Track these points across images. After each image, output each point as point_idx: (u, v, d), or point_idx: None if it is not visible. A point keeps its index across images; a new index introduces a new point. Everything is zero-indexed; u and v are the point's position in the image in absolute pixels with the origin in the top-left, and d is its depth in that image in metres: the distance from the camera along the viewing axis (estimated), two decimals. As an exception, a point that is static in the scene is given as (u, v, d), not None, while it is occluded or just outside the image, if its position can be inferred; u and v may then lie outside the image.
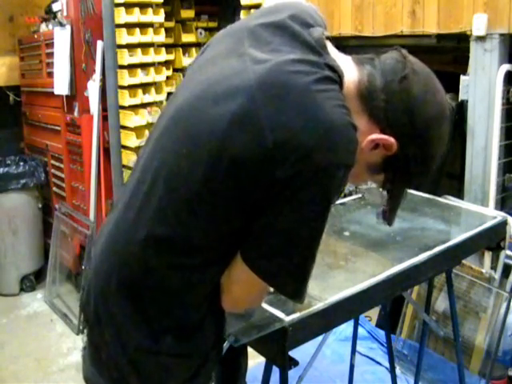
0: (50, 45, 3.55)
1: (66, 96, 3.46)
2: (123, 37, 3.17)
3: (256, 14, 1.10)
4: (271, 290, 1.12)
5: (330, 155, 0.90)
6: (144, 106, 3.37)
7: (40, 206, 3.86)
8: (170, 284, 1.00)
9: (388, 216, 1.16)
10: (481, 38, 2.66)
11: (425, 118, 1.01)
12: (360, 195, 2.29)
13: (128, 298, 1.02)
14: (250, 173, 0.91)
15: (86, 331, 1.15)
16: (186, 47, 3.64)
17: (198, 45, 3.63)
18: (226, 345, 1.77)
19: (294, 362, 1.24)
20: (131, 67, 3.26)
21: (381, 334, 2.93)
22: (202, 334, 1.05)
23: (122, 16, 3.14)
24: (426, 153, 1.06)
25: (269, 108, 0.90)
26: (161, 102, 3.44)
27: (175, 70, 3.59)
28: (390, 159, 1.03)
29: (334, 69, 0.97)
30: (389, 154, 1.02)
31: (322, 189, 0.92)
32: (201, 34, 3.65)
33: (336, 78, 0.97)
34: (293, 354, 1.24)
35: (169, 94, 3.45)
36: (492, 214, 2.01)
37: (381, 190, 1.16)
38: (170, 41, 3.54)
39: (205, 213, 0.96)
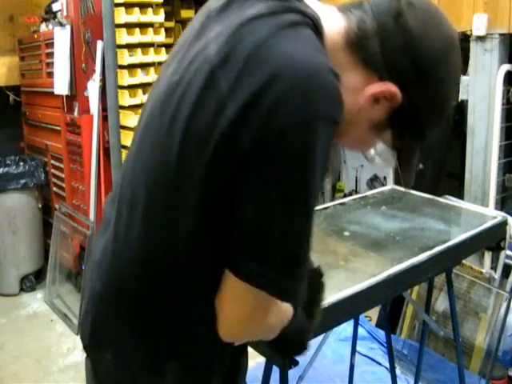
0: (50, 45, 3.55)
1: (66, 96, 3.46)
2: (123, 37, 3.17)
3: None
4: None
5: (300, 108, 0.75)
6: (144, 106, 3.36)
7: (40, 206, 3.86)
8: (170, 302, 0.91)
9: (404, 177, 1.07)
10: (481, 38, 2.67)
11: (428, 55, 0.87)
12: (360, 195, 2.29)
13: (129, 319, 0.94)
14: (217, 150, 0.78)
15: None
16: (186, 47, 3.63)
17: (197, 45, 3.62)
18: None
19: (294, 362, 1.24)
20: (131, 67, 3.26)
21: (381, 334, 2.93)
22: (208, 361, 0.95)
23: (122, 16, 3.14)
24: (436, 95, 0.90)
25: (227, 77, 0.78)
26: (161, 102, 3.43)
27: (175, 70, 3.58)
28: (396, 112, 0.89)
29: (302, 12, 0.83)
30: (394, 106, 0.88)
31: (298, 154, 0.75)
32: (201, 34, 3.64)
33: (307, 22, 0.84)
34: (293, 353, 1.24)
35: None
36: (492, 214, 2.01)
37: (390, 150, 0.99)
38: (170, 41, 3.53)
39: (187, 211, 0.84)
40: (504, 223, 1.93)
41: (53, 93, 3.53)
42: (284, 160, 0.76)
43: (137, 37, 3.21)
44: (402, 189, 2.37)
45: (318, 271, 1.10)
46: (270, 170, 0.77)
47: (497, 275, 2.62)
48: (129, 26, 3.19)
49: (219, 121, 0.77)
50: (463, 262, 2.49)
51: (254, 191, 0.78)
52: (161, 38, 3.35)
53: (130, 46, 3.24)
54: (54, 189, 3.91)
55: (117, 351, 0.96)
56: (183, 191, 0.83)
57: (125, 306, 0.93)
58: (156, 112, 0.89)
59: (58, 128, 3.68)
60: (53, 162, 3.86)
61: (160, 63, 3.41)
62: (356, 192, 4.35)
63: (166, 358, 0.93)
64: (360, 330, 2.56)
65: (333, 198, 4.45)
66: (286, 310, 0.91)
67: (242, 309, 0.86)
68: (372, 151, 1.00)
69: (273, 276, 0.81)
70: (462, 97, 2.81)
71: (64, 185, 3.75)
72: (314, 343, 1.90)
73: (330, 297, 1.34)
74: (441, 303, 2.72)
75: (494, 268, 2.65)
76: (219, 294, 0.86)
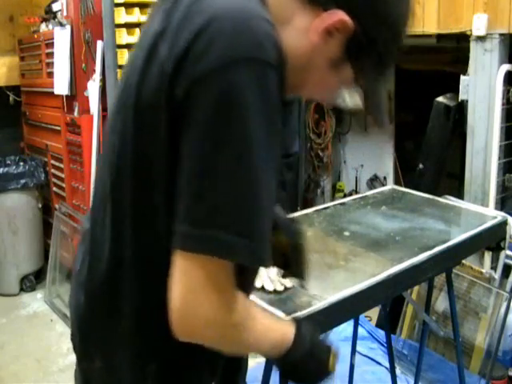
0: (50, 45, 3.55)
1: (66, 96, 3.46)
2: (123, 37, 3.17)
3: None
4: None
5: (224, 52, 0.73)
6: (144, 106, 3.36)
7: (40, 206, 3.86)
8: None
9: (375, 118, 1.03)
10: (481, 38, 2.67)
11: None
12: (360, 195, 2.29)
13: (105, 319, 0.94)
14: (169, 113, 0.77)
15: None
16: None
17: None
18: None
19: (294, 362, 1.24)
20: (131, 67, 3.26)
21: (381, 334, 2.93)
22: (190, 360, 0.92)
23: (122, 16, 3.14)
24: (386, 15, 0.87)
25: (166, 41, 0.79)
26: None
27: (175, 70, 3.59)
28: (350, 42, 0.85)
29: None
30: (348, 36, 0.84)
31: (224, 99, 0.72)
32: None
33: None
34: (293, 353, 1.24)
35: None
36: (492, 214, 2.01)
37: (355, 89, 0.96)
38: (170, 41, 3.54)
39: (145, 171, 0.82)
40: (504, 223, 1.93)
41: (53, 93, 3.53)
42: (211, 107, 0.73)
43: (137, 37, 3.21)
44: (402, 189, 2.37)
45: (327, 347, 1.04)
46: (200, 120, 0.74)
47: (497, 275, 2.62)
48: (129, 26, 3.19)
49: (162, 82, 0.77)
50: (463, 262, 2.49)
51: (186, 145, 0.75)
52: (161, 38, 3.35)
53: (130, 46, 3.24)
54: (54, 189, 3.91)
55: (104, 352, 0.96)
56: (147, 160, 0.81)
57: (106, 304, 0.92)
58: (115, 104, 0.91)
59: (58, 128, 3.68)
60: (53, 162, 3.86)
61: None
62: (356, 192, 4.35)
63: (148, 360, 0.90)
64: (360, 330, 2.56)
65: (333, 198, 4.45)
66: (245, 302, 0.85)
67: (186, 285, 0.77)
68: (337, 93, 0.98)
69: (207, 235, 0.74)
70: (462, 97, 2.81)
71: (64, 185, 3.75)
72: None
73: (330, 297, 1.34)
74: (441, 303, 2.72)
75: (494, 268, 2.65)
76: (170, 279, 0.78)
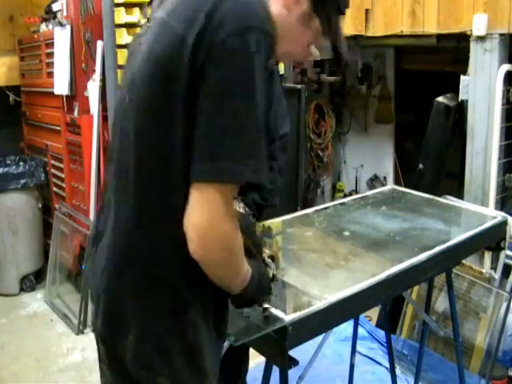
0: (50, 45, 3.55)
1: (66, 96, 3.46)
2: (123, 37, 3.17)
3: None
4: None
5: (239, 22, 0.95)
6: (144, 106, 3.36)
7: (40, 206, 3.86)
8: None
9: (341, 58, 1.22)
10: (481, 38, 2.67)
11: None
12: (360, 195, 2.29)
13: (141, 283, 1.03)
14: (170, 69, 0.97)
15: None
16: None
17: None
18: (226, 345, 1.78)
19: (294, 362, 1.24)
20: (131, 67, 3.26)
21: (381, 334, 2.93)
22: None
23: (122, 16, 3.14)
24: None
25: (177, 18, 1.00)
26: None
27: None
28: None
29: None
30: None
31: (240, 53, 0.94)
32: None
33: None
34: (293, 353, 1.24)
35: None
36: (492, 214, 2.01)
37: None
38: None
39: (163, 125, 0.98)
40: (504, 223, 1.93)
41: (53, 93, 3.53)
42: (226, 61, 0.94)
43: (137, 37, 3.21)
44: (402, 189, 2.37)
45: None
46: (217, 73, 0.94)
47: (497, 275, 2.62)
48: (129, 26, 3.19)
49: (181, 50, 0.96)
50: (463, 262, 2.49)
51: (206, 93, 0.94)
52: (161, 38, 3.35)
53: (130, 46, 3.24)
54: (54, 189, 3.91)
55: (141, 315, 1.03)
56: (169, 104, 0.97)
57: (139, 257, 1.03)
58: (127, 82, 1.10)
59: (58, 128, 3.68)
60: (53, 162, 3.86)
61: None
62: (356, 192, 4.35)
63: (187, 307, 1.03)
64: (360, 330, 2.56)
65: (333, 198, 4.45)
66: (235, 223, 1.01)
67: (209, 215, 0.95)
68: (311, 48, 1.19)
69: (223, 166, 0.93)
70: (462, 97, 2.81)
71: (64, 185, 3.75)
72: (313, 343, 1.90)
73: (330, 297, 1.35)
74: (441, 303, 2.72)
75: (494, 268, 2.65)
76: (187, 210, 0.96)
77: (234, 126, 0.94)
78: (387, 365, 2.44)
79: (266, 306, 1.22)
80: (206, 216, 0.95)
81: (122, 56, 3.22)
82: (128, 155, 1.04)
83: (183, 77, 0.95)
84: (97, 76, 3.31)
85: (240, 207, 1.42)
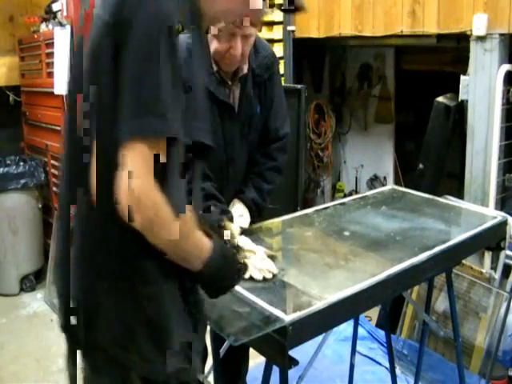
0: (50, 45, 3.55)
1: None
2: (123, 37, 3.17)
3: None
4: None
5: None
6: (144, 105, 3.36)
7: (40, 206, 3.86)
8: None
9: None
10: (481, 38, 2.67)
11: None
12: (360, 195, 2.29)
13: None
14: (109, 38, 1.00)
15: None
16: (186, 47, 3.63)
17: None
18: (226, 345, 1.78)
19: (294, 362, 1.24)
20: (131, 67, 3.25)
21: (381, 334, 2.93)
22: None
23: (121, 16, 3.14)
24: None
25: (103, 5, 1.04)
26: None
27: (175, 70, 3.58)
28: None
29: None
30: None
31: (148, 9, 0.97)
32: (201, 33, 3.63)
33: None
34: (293, 353, 1.24)
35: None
36: (492, 214, 2.01)
37: None
38: (170, 41, 3.53)
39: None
40: (504, 223, 1.93)
41: (53, 93, 3.53)
42: (144, 22, 0.97)
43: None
44: (402, 189, 2.37)
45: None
46: (135, 33, 0.97)
47: (497, 275, 2.62)
48: (129, 26, 3.19)
49: (106, 29, 1.01)
50: (463, 262, 2.49)
51: (123, 55, 0.97)
52: (161, 37, 3.34)
53: (130, 46, 3.24)
54: (54, 189, 3.90)
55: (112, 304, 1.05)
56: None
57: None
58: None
59: (58, 128, 3.68)
60: (53, 162, 3.85)
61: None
62: (356, 192, 4.35)
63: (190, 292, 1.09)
64: (360, 330, 2.56)
65: (333, 198, 4.45)
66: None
67: (136, 166, 0.95)
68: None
69: (140, 123, 0.95)
70: (462, 97, 2.81)
71: (64, 185, 3.75)
72: (313, 343, 1.90)
73: (330, 297, 1.34)
74: (441, 303, 2.72)
75: (494, 268, 2.65)
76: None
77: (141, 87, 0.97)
78: (387, 365, 2.44)
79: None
80: (124, 178, 0.94)
81: (122, 56, 3.22)
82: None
83: (109, 54, 1.00)
84: (97, 76, 3.31)
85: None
